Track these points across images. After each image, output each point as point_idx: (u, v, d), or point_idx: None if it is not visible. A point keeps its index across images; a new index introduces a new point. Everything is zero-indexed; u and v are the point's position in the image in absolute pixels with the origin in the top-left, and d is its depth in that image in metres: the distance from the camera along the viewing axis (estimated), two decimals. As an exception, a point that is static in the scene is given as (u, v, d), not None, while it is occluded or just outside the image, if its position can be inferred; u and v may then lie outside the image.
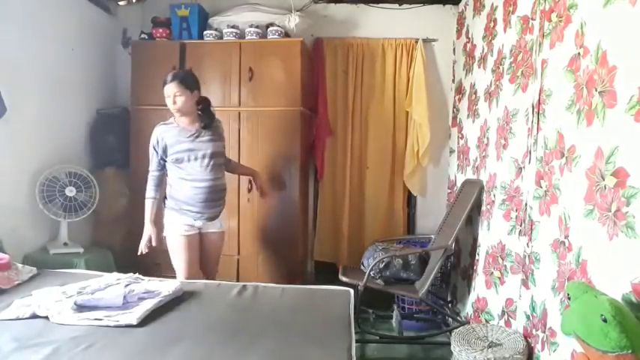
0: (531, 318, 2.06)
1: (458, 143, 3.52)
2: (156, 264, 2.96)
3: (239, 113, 3.30)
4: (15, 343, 1.65)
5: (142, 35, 3.48)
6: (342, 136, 3.78)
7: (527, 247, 2.12)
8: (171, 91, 2.53)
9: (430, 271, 2.81)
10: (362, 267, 3.04)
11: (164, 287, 2.13)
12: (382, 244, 3.15)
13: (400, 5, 3.73)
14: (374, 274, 2.85)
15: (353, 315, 2.06)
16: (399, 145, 3.74)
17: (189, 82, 2.58)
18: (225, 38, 3.38)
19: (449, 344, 2.18)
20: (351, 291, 2.35)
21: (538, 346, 1.97)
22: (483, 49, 2.96)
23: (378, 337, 2.94)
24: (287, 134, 3.28)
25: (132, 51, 3.46)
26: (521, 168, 2.27)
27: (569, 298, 1.44)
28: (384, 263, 2.85)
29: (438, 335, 2.99)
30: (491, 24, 2.82)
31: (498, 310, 2.45)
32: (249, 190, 3.25)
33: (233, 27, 3.38)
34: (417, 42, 3.66)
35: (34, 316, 1.86)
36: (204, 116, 2.68)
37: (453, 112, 3.72)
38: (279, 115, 3.27)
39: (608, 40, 1.54)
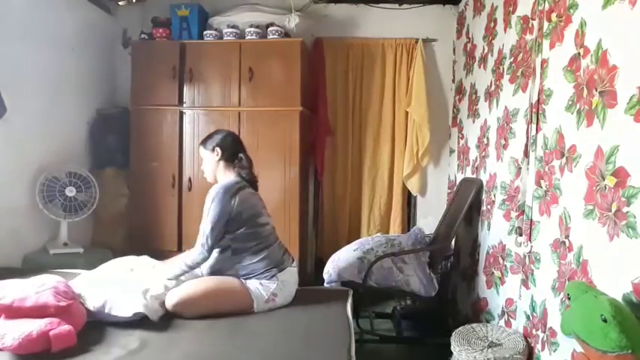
0: (531, 318, 2.06)
1: (458, 143, 3.52)
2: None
3: (239, 113, 3.30)
4: None
5: (142, 35, 3.48)
6: (342, 136, 3.78)
7: (527, 246, 2.12)
8: None
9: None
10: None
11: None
12: (382, 244, 3.13)
13: (400, 5, 3.73)
14: (374, 274, 2.84)
15: (352, 315, 2.06)
16: (399, 145, 3.74)
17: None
18: (225, 38, 3.37)
19: (449, 344, 2.17)
20: (351, 291, 2.35)
21: (538, 346, 1.97)
22: (484, 49, 2.96)
23: (377, 337, 2.93)
24: (287, 134, 3.28)
25: (132, 51, 3.46)
26: (521, 168, 2.27)
27: (569, 298, 1.44)
28: (383, 263, 2.83)
29: (437, 335, 2.98)
30: (492, 24, 2.81)
31: (498, 310, 2.45)
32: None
33: (233, 27, 3.38)
34: (417, 42, 3.66)
35: None
36: None
37: (453, 112, 3.72)
38: (279, 115, 3.27)
39: (609, 40, 1.54)
